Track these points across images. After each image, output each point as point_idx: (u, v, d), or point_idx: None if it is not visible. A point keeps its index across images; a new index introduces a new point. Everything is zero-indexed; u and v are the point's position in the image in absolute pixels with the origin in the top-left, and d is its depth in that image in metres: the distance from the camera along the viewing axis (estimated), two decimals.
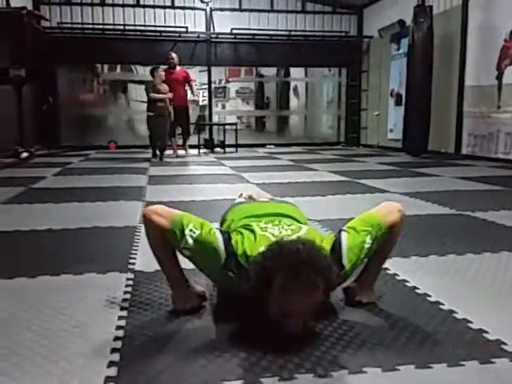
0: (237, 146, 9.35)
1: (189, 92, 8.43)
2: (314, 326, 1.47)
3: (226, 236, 1.54)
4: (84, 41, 9.82)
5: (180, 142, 8.47)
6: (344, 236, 1.56)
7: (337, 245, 1.54)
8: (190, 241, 1.50)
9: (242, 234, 1.59)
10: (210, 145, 9.61)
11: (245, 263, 1.48)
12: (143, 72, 12.03)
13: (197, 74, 12.45)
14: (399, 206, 1.69)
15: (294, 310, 1.33)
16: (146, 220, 1.57)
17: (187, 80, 8.26)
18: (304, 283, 1.30)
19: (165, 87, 7.50)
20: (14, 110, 7.98)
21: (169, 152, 7.88)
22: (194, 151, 8.66)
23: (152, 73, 7.63)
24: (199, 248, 1.50)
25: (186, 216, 1.57)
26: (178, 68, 8.25)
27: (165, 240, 1.56)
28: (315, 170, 5.93)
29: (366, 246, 1.56)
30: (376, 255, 1.68)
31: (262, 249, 1.44)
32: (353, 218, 1.70)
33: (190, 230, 1.51)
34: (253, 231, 1.58)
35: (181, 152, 8.27)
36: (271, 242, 1.46)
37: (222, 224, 1.95)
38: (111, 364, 1.26)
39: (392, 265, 2.09)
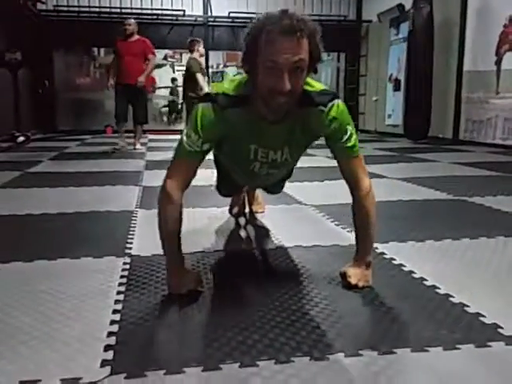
0: None
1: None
2: (313, 302, 1.47)
3: (202, 97, 1.63)
4: (80, 24, 9.73)
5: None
6: (338, 100, 1.62)
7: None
8: (191, 137, 1.57)
9: (218, 84, 1.71)
10: None
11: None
12: None
13: None
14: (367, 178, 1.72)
15: (280, 59, 1.37)
16: (162, 189, 1.62)
17: (146, 53, 6.53)
18: (287, 26, 1.35)
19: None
20: (10, 94, 7.92)
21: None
22: (141, 147, 6.84)
23: (192, 47, 6.19)
24: (198, 129, 1.56)
25: (176, 147, 1.64)
26: (136, 37, 6.54)
27: (177, 211, 1.59)
28: (312, 155, 5.91)
29: (347, 132, 1.62)
30: (358, 234, 1.73)
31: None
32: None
33: (185, 135, 1.60)
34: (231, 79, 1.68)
35: (122, 143, 6.65)
36: None
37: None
38: (107, 347, 1.26)
39: (389, 249, 2.09)
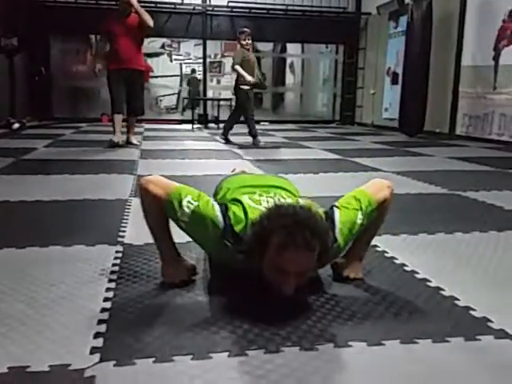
0: None
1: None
2: (304, 293, 1.48)
3: (223, 208, 1.53)
4: (78, 11, 9.63)
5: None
6: (336, 211, 1.57)
7: (329, 219, 1.54)
8: (188, 211, 1.49)
9: (235, 203, 1.60)
10: (203, 120, 9.55)
11: (240, 233, 1.48)
12: None
13: (192, 48, 12.30)
14: (388, 182, 1.69)
15: (289, 269, 1.34)
16: (142, 190, 1.56)
17: (141, 23, 5.49)
18: (300, 242, 1.31)
19: None
20: (5, 80, 7.86)
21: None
22: (136, 142, 5.94)
23: (238, 39, 6.31)
24: (197, 219, 1.49)
25: (183, 188, 1.55)
26: (132, 15, 5.58)
27: (160, 211, 1.55)
28: (309, 147, 5.91)
29: (358, 221, 1.57)
30: (365, 231, 1.68)
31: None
32: (342, 196, 1.71)
33: (188, 202, 1.50)
34: (241, 203, 1.58)
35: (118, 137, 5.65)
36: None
37: (215, 194, 1.94)
38: (97, 335, 1.26)
39: (381, 242, 2.09)
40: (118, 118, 5.67)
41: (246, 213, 1.53)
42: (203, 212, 1.49)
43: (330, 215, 1.56)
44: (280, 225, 1.33)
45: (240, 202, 1.59)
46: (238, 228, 1.49)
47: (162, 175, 1.62)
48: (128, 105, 5.71)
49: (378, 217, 1.65)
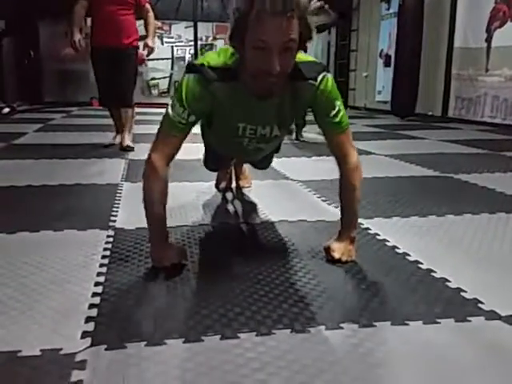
0: None
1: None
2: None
3: (186, 67, 1.59)
4: None
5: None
6: (329, 74, 1.62)
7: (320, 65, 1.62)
8: (177, 109, 1.55)
9: (204, 55, 1.64)
10: None
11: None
12: None
13: (183, 30, 12.17)
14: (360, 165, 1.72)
15: (269, 39, 1.33)
16: (147, 164, 1.59)
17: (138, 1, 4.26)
18: (279, 6, 1.30)
19: None
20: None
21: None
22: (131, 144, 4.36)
23: None
24: (184, 101, 1.54)
25: (162, 120, 1.61)
26: None
27: (163, 186, 1.57)
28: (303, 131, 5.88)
29: (335, 105, 1.61)
30: (343, 208, 1.73)
31: None
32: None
33: (171, 107, 1.57)
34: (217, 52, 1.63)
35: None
36: None
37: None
38: (89, 319, 1.25)
39: (373, 225, 2.10)
40: (111, 111, 4.49)
41: (220, 52, 1.60)
42: (179, 92, 1.55)
43: (325, 68, 1.62)
44: None
45: (213, 52, 1.69)
46: (213, 63, 1.54)
47: None
48: (116, 93, 4.29)
49: (348, 188, 1.69)
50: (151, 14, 4.37)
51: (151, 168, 1.58)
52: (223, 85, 1.54)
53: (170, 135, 1.59)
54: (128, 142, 4.31)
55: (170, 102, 1.61)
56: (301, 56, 1.57)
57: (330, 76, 1.61)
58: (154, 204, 1.59)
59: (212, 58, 1.57)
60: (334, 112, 1.62)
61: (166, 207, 1.61)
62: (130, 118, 4.44)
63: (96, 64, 4.30)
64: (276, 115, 1.67)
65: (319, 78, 1.57)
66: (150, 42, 4.34)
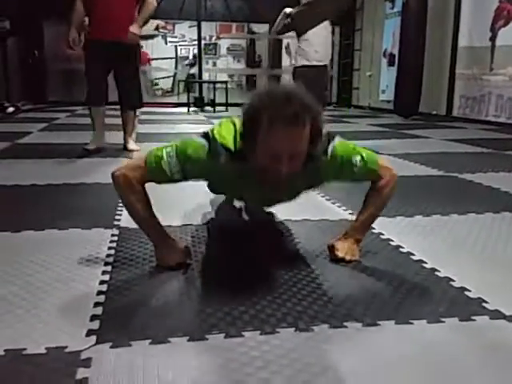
0: (227, 104, 9.23)
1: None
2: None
3: (202, 133, 1.54)
4: None
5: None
6: (337, 138, 1.57)
7: (327, 136, 1.53)
8: (174, 160, 1.48)
9: (219, 125, 1.60)
10: (199, 103, 9.49)
11: (232, 146, 1.48)
12: None
13: (186, 30, 12.18)
14: (393, 167, 1.69)
15: (280, 148, 1.32)
16: (121, 179, 1.52)
17: None
18: (290, 115, 1.28)
19: None
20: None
21: None
22: (136, 146, 4.17)
23: None
24: (184, 158, 1.48)
25: (155, 149, 1.53)
26: None
27: (143, 196, 1.54)
28: None
29: (354, 161, 1.56)
30: (363, 214, 1.70)
31: None
32: None
33: (167, 154, 1.49)
34: (232, 122, 1.59)
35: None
36: None
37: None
38: (94, 317, 1.26)
39: (377, 224, 2.08)
40: (96, 112, 4.05)
41: (235, 125, 1.53)
42: (185, 148, 1.49)
43: (330, 135, 1.55)
44: (269, 103, 1.31)
45: (230, 121, 1.60)
46: (228, 143, 1.48)
47: None
48: (120, 94, 4.08)
49: (376, 198, 1.66)
50: (151, 1, 3.91)
51: (124, 181, 1.52)
52: (229, 165, 1.48)
53: (149, 176, 1.52)
54: (133, 145, 4.17)
55: (170, 144, 1.53)
56: None
57: (337, 141, 1.55)
58: (139, 214, 1.57)
59: (221, 136, 1.50)
60: (357, 166, 1.57)
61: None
62: (133, 119, 4.21)
63: (91, 59, 3.91)
64: (285, 194, 1.67)
65: (329, 152, 1.52)
66: (133, 27, 3.81)
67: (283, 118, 1.28)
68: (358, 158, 1.57)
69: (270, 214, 2.24)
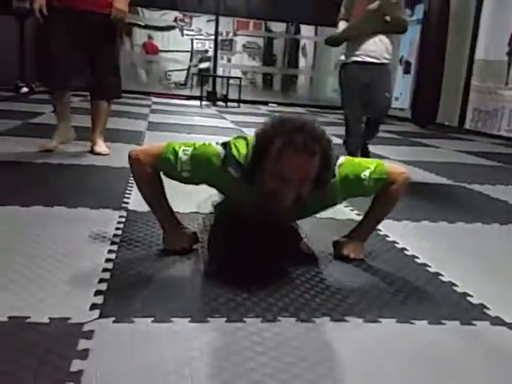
0: (239, 101, 9.24)
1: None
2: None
3: (222, 143, 1.56)
4: None
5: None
6: (342, 158, 1.59)
7: (333, 157, 1.52)
8: (187, 158, 1.50)
9: (236, 138, 1.62)
10: (212, 97, 9.50)
11: (243, 162, 1.50)
12: (149, 16, 11.78)
13: (204, 24, 12.19)
14: (405, 170, 1.68)
15: (289, 174, 1.35)
16: (133, 160, 1.56)
17: None
18: (300, 144, 1.32)
19: None
20: (16, 44, 7.82)
21: None
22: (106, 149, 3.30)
23: None
24: (198, 161, 1.50)
25: (174, 142, 1.56)
26: None
27: (155, 179, 1.56)
28: None
29: (363, 176, 1.56)
30: (370, 213, 1.70)
31: None
32: None
33: (184, 151, 1.51)
34: (245, 138, 1.60)
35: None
36: None
37: None
38: (98, 293, 1.27)
39: (384, 226, 2.08)
40: (59, 97, 3.24)
41: (248, 144, 1.54)
42: (202, 151, 1.51)
43: (335, 155, 1.55)
44: (281, 130, 1.35)
45: (244, 137, 1.62)
46: (240, 158, 1.50)
47: None
48: (91, 79, 3.22)
49: (384, 199, 1.65)
50: None
51: (136, 162, 1.55)
52: (241, 183, 1.50)
53: (162, 165, 1.54)
54: (101, 147, 3.25)
55: (187, 145, 1.54)
56: None
57: (341, 160, 1.57)
58: (152, 196, 1.60)
59: (239, 151, 1.52)
60: (366, 180, 1.56)
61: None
62: (105, 112, 3.30)
63: (54, 31, 2.99)
64: (295, 216, 1.67)
65: (336, 173, 1.53)
66: (119, 1, 2.97)
67: (293, 146, 1.32)
68: (367, 172, 1.57)
69: None
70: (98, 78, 3.17)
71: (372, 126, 3.65)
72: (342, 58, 3.67)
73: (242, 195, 1.57)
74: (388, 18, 3.28)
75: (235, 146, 1.53)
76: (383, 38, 3.40)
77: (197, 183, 1.61)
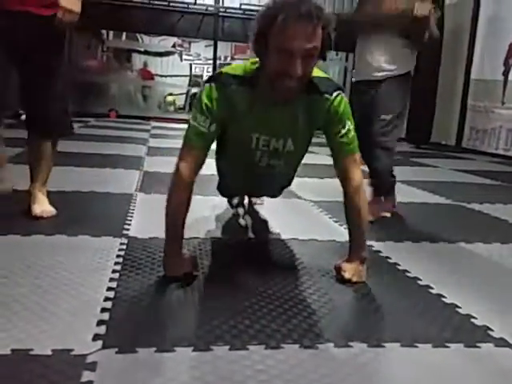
0: None
1: None
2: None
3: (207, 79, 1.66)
4: (90, 6, 9.64)
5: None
6: (342, 94, 1.67)
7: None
8: (201, 117, 1.60)
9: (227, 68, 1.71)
10: None
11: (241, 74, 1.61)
12: (148, 42, 11.94)
13: (202, 49, 12.35)
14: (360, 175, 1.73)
15: (293, 44, 1.40)
16: (174, 173, 1.62)
17: None
18: (304, 11, 1.37)
19: None
20: (15, 72, 7.89)
21: None
22: (50, 208, 2.32)
23: None
24: (205, 109, 1.59)
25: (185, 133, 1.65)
26: None
27: (187, 200, 1.62)
28: (315, 152, 5.91)
29: (346, 124, 1.65)
30: (353, 231, 1.74)
31: None
32: None
33: (193, 118, 1.62)
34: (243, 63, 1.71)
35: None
36: None
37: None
38: (100, 323, 1.27)
39: (385, 248, 2.10)
40: None
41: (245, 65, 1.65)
42: (200, 103, 1.60)
43: (338, 85, 1.68)
44: (284, 4, 1.41)
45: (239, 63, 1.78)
46: (237, 72, 1.62)
47: (168, 172, 1.64)
48: (30, 109, 2.30)
49: (355, 212, 1.71)
50: None
51: (178, 178, 1.61)
52: (239, 89, 1.60)
53: (195, 145, 1.62)
54: (43, 205, 2.28)
55: (191, 115, 1.65)
56: (318, 72, 1.61)
57: (344, 95, 1.66)
58: (174, 214, 1.62)
59: (230, 68, 1.66)
60: (343, 131, 1.65)
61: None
62: (49, 156, 2.34)
63: None
64: (289, 126, 1.69)
65: (334, 95, 1.62)
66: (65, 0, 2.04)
67: (298, 13, 1.38)
68: (349, 126, 1.66)
69: (276, 233, 2.25)
70: (42, 108, 2.21)
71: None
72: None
73: (246, 112, 1.62)
74: (427, 35, 2.76)
75: (227, 69, 1.65)
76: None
77: (227, 124, 1.66)
